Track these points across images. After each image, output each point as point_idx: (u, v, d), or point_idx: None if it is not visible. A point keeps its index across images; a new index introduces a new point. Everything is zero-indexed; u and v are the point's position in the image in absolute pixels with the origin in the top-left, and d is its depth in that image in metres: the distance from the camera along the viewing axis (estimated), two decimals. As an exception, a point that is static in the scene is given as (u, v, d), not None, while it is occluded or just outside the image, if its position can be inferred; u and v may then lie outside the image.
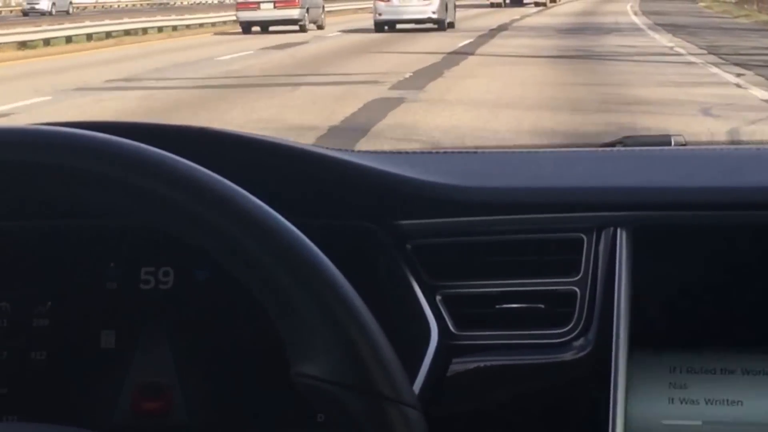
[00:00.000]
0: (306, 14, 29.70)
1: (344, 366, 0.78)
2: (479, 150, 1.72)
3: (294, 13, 29.27)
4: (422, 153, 1.62)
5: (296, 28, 29.10)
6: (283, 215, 0.84)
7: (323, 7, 32.50)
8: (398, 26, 28.69)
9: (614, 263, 1.29)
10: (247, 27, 29.70)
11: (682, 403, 1.26)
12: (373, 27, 28.49)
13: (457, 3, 32.15)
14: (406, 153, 1.59)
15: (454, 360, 1.30)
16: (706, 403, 1.25)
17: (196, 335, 1.33)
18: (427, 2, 28.09)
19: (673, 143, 1.68)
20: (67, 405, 1.32)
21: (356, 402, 0.78)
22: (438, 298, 1.33)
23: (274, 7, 29.05)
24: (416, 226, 1.34)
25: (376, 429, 0.78)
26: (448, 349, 1.30)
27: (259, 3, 29.17)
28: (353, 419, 0.78)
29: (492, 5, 50.85)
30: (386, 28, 28.41)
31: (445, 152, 1.64)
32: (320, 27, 30.79)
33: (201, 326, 1.33)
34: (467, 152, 1.69)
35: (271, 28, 29.26)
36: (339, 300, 0.79)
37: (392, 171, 1.37)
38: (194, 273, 1.34)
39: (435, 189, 1.36)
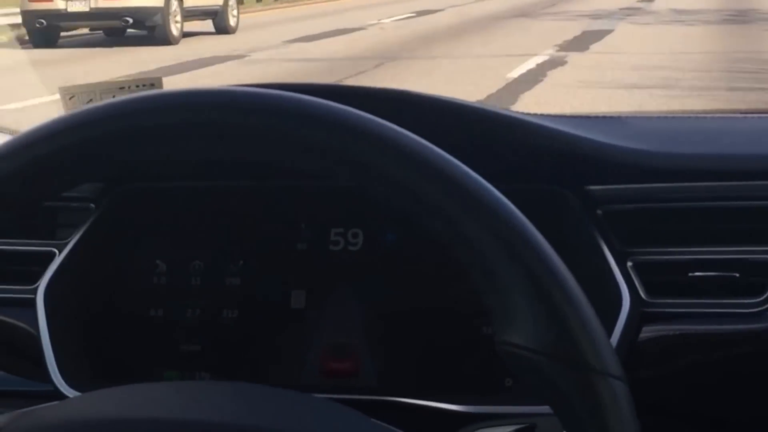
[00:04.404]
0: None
1: (553, 337, 0.75)
2: (663, 115, 1.69)
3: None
4: (605, 117, 1.54)
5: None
6: None
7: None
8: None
9: None
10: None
11: None
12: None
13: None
14: (589, 117, 1.53)
15: (644, 327, 1.29)
16: None
17: (384, 297, 1.34)
18: None
19: None
20: (257, 364, 1.34)
21: (564, 374, 0.74)
22: (629, 264, 1.30)
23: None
24: (607, 192, 1.32)
25: (583, 402, 0.75)
26: (639, 316, 1.28)
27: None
28: (560, 391, 0.75)
29: None
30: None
31: (627, 117, 1.58)
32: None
33: (389, 289, 1.34)
34: (651, 117, 1.65)
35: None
36: (549, 270, 0.75)
37: (582, 135, 1.35)
38: (383, 235, 1.35)
39: (626, 154, 1.33)
